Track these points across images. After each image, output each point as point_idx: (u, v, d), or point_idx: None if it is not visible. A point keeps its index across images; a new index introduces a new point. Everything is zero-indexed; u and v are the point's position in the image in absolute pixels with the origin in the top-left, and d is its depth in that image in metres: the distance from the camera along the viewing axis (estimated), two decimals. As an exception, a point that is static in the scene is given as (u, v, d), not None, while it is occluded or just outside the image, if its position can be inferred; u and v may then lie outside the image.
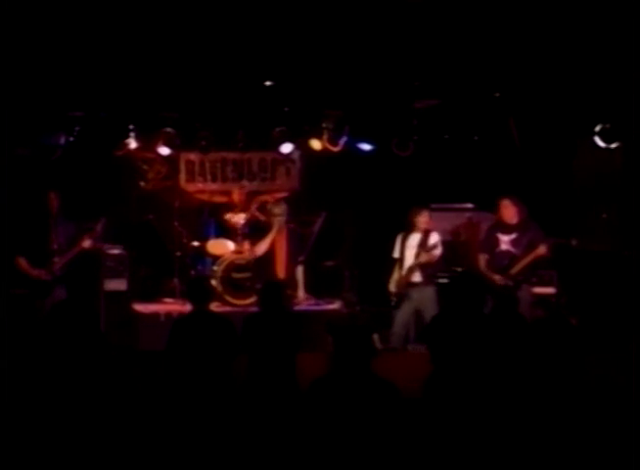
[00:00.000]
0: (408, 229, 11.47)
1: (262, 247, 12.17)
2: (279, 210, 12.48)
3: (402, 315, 11.36)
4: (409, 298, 11.34)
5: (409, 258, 11.37)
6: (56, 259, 10.59)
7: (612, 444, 7.13)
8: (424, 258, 11.22)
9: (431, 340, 8.07)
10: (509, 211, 11.02)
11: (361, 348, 5.86)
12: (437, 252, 11.29)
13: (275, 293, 8.67)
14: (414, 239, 11.40)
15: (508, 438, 7.29)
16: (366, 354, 5.86)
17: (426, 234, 11.35)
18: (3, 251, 8.38)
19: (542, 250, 10.79)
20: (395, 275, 11.48)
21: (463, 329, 7.77)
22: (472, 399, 7.50)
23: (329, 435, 5.70)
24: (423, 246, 11.26)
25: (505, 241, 10.99)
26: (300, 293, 12.53)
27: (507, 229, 11.03)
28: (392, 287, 11.48)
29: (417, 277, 11.35)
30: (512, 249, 10.95)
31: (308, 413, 5.83)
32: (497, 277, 10.79)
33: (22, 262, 10.46)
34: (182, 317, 8.90)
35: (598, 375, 8.55)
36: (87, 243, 10.71)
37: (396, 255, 11.50)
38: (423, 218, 11.39)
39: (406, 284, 11.34)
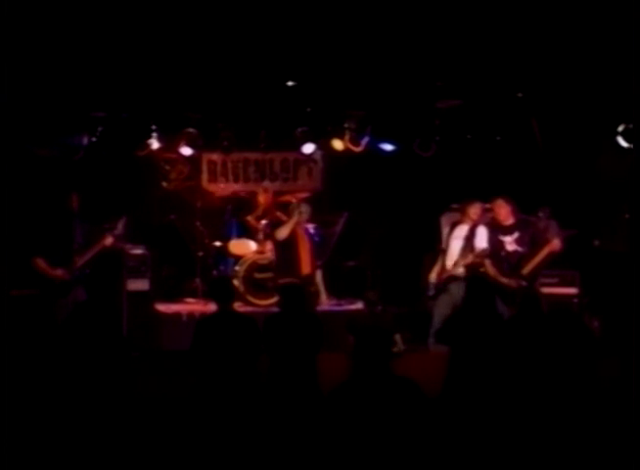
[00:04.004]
0: (457, 220, 11.41)
1: (284, 231, 11.80)
2: (304, 208, 12.32)
3: (442, 310, 10.96)
4: (448, 292, 11.12)
5: (454, 249, 11.23)
6: (76, 259, 10.62)
7: (629, 445, 7.08)
8: (470, 259, 11.02)
9: (448, 340, 8.08)
10: (504, 211, 10.99)
11: (383, 348, 5.84)
12: (485, 253, 11.01)
13: (295, 293, 8.67)
14: (461, 230, 11.27)
15: (523, 437, 7.28)
16: (387, 354, 5.84)
17: (473, 227, 11.18)
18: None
19: (556, 245, 10.69)
20: (438, 265, 11.39)
21: (478, 330, 7.78)
22: (488, 399, 7.49)
23: (351, 436, 5.69)
24: (469, 239, 11.10)
25: (509, 241, 10.93)
26: (323, 296, 12.51)
27: (507, 230, 10.99)
28: (433, 277, 11.38)
29: (461, 271, 11.11)
30: (518, 248, 10.89)
31: (330, 415, 5.82)
32: (508, 280, 10.63)
33: (41, 263, 10.48)
34: (206, 317, 8.92)
35: (618, 377, 8.50)
36: (108, 240, 10.72)
37: (443, 245, 11.44)
38: (474, 210, 11.26)
39: (448, 276, 11.18)
